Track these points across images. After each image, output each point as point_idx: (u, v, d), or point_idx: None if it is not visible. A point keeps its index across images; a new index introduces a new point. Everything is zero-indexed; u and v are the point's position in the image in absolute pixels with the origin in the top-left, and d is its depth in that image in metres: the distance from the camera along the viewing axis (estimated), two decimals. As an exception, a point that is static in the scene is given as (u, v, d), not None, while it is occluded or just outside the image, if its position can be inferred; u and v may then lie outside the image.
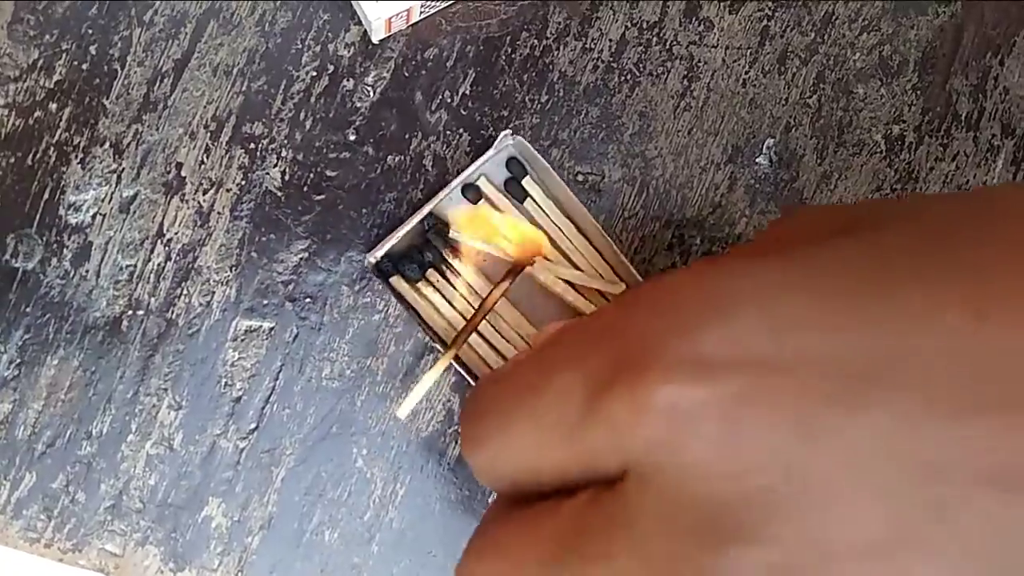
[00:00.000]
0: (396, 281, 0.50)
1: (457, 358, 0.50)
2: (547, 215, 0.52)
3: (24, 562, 0.51)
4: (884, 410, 0.25)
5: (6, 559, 0.51)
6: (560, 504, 0.30)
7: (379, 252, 0.49)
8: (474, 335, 0.50)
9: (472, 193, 0.51)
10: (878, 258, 0.28)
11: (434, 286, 0.51)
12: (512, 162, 0.51)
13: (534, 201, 0.52)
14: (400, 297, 0.50)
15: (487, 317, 0.49)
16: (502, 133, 0.50)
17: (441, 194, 0.50)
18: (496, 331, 0.51)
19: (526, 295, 0.51)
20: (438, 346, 0.50)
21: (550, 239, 0.52)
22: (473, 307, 0.51)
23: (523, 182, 0.51)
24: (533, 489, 0.32)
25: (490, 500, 0.52)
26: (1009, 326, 0.25)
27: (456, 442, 0.52)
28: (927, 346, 0.26)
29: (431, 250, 0.51)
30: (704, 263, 0.30)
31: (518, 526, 0.32)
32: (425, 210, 0.50)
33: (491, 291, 0.48)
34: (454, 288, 0.51)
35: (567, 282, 0.51)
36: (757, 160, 0.54)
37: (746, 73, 0.54)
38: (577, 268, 0.51)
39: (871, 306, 0.27)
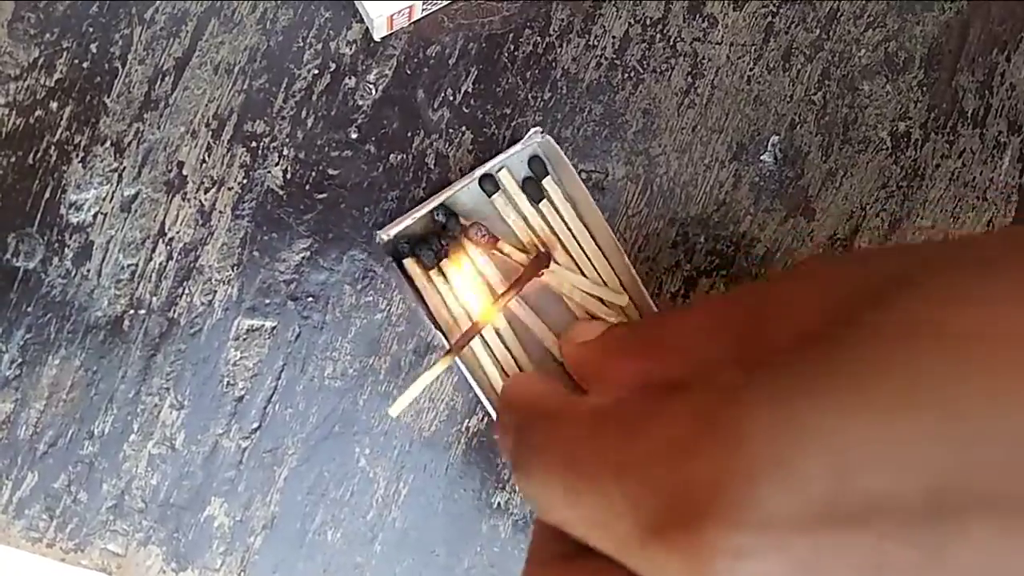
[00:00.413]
0: (409, 264, 0.50)
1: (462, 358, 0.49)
2: (562, 218, 0.51)
3: (26, 562, 0.51)
4: (973, 546, 0.23)
5: (8, 559, 0.51)
6: None
7: (392, 230, 0.49)
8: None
9: (490, 184, 0.51)
10: (930, 356, 0.25)
11: (445, 276, 0.50)
12: (534, 161, 0.51)
13: (551, 203, 0.51)
14: (409, 281, 0.50)
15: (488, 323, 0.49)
16: (532, 129, 0.49)
17: (459, 183, 0.49)
18: (497, 334, 0.51)
19: (532, 295, 0.51)
20: (440, 336, 0.50)
21: (561, 243, 0.51)
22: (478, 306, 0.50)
23: (543, 182, 0.51)
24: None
25: (495, 503, 0.52)
26: None
27: (459, 441, 0.52)
28: (1001, 449, 0.24)
29: (447, 239, 0.51)
30: (756, 389, 0.27)
31: None
32: (443, 196, 0.49)
33: (496, 299, 0.48)
34: (461, 280, 0.51)
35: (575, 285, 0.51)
36: (762, 157, 0.53)
37: (750, 70, 0.54)
38: (583, 275, 0.51)
39: (933, 421, 0.24)
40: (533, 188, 0.51)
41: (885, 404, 0.25)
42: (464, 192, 0.51)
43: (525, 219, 0.51)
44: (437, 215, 0.50)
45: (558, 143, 0.52)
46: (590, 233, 0.51)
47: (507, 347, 0.51)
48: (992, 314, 0.25)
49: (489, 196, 0.51)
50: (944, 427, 0.24)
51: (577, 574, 0.31)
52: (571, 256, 0.51)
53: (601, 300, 0.51)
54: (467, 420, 0.52)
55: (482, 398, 0.49)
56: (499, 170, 0.51)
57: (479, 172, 0.50)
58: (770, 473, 0.25)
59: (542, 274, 0.49)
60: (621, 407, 0.32)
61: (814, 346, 0.28)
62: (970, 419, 0.24)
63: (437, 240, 0.50)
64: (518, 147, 0.50)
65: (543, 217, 0.51)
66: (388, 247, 0.50)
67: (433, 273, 0.50)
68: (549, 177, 0.51)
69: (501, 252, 0.50)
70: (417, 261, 0.50)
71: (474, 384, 0.49)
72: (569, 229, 0.51)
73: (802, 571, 0.24)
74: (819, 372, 0.26)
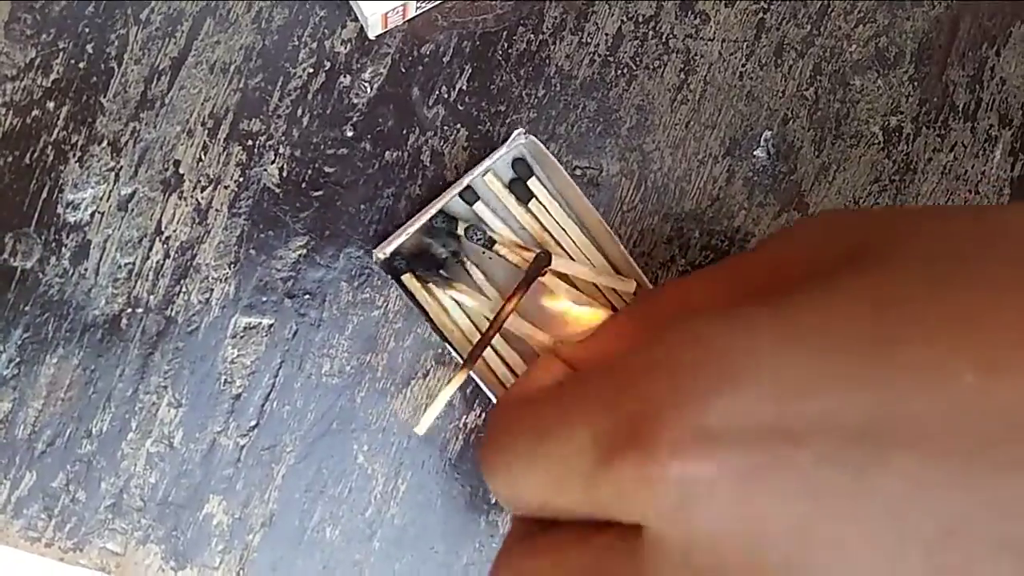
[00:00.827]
0: (408, 279, 0.50)
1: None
2: (552, 216, 0.52)
3: (25, 562, 0.51)
4: (895, 473, 0.25)
5: (7, 559, 0.51)
6: (585, 540, 0.30)
7: (388, 248, 0.49)
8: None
9: (469, 196, 0.51)
10: (884, 304, 0.27)
11: (444, 287, 0.51)
12: (518, 163, 0.51)
13: (539, 202, 0.51)
14: (411, 296, 0.50)
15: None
16: (515, 131, 0.50)
17: (448, 192, 0.50)
18: (503, 339, 0.51)
19: (531, 300, 0.51)
20: (449, 347, 0.50)
21: (554, 240, 0.52)
22: (484, 315, 0.51)
23: (528, 183, 0.51)
24: (552, 517, 0.32)
25: (493, 498, 0.52)
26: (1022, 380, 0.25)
27: (457, 437, 0.52)
28: (936, 404, 0.25)
29: (443, 249, 0.51)
30: (715, 319, 0.30)
31: (544, 558, 0.32)
32: (434, 208, 0.49)
33: (503, 304, 0.48)
34: (463, 289, 0.51)
35: (571, 287, 0.51)
36: (755, 153, 0.54)
37: (743, 66, 0.54)
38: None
39: (878, 364, 0.26)
40: (520, 189, 0.51)
41: (835, 344, 0.27)
42: (456, 199, 0.51)
43: (516, 220, 0.52)
44: (436, 222, 0.50)
45: (552, 140, 0.52)
46: (583, 227, 0.52)
47: (510, 343, 0.51)
48: (947, 289, 0.27)
49: (470, 205, 0.51)
50: (884, 372, 0.26)
51: (543, 545, 0.32)
52: (566, 252, 0.52)
53: (614, 290, 0.51)
54: (464, 416, 0.52)
55: (488, 393, 0.49)
56: (486, 174, 0.51)
57: (466, 180, 0.50)
58: (720, 392, 0.27)
59: (545, 273, 0.49)
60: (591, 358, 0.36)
61: (788, 293, 0.30)
62: (910, 370, 0.26)
63: (431, 253, 0.51)
64: (502, 150, 0.50)
65: (534, 217, 0.52)
66: (385, 265, 0.50)
67: (433, 285, 0.51)
68: (534, 177, 0.51)
69: (498, 254, 0.51)
70: (415, 276, 0.50)
71: (489, 393, 0.49)
72: (561, 226, 0.52)
73: (744, 482, 0.26)
74: (785, 313, 0.29)
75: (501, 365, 0.51)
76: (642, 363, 0.30)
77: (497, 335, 0.50)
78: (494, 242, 0.50)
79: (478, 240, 0.50)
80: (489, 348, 0.50)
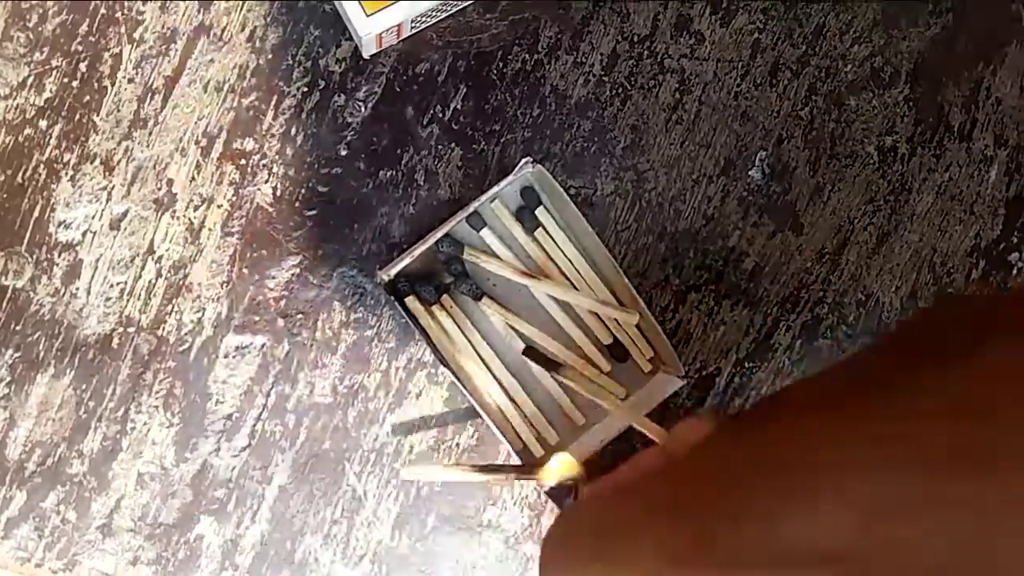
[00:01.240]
0: (411, 302, 0.50)
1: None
2: (558, 246, 0.52)
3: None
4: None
5: (-3, 579, 0.51)
6: None
7: (392, 270, 0.49)
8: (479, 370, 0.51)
9: (476, 221, 0.51)
10: (983, 436, 0.24)
11: (447, 311, 0.51)
12: (526, 191, 0.51)
13: (545, 231, 0.51)
14: (413, 318, 0.50)
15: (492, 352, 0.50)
16: (523, 160, 0.49)
17: (455, 218, 0.49)
18: (520, 385, 0.51)
19: (529, 311, 0.51)
20: (449, 372, 0.49)
21: (559, 269, 0.52)
22: (485, 341, 0.51)
23: (536, 212, 0.51)
24: None
25: (484, 518, 0.52)
26: None
27: (450, 457, 0.52)
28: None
29: (448, 273, 0.51)
30: (786, 424, 0.28)
31: None
32: (439, 233, 0.49)
33: (493, 471, 0.48)
34: (465, 314, 0.51)
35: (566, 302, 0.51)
36: (749, 172, 0.54)
37: (738, 86, 0.54)
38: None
39: (967, 487, 0.23)
40: (528, 218, 0.51)
41: (918, 460, 0.25)
42: (461, 224, 0.51)
43: (522, 248, 0.52)
44: (441, 247, 0.50)
45: (547, 159, 0.52)
46: (587, 258, 0.52)
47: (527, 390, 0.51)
48: None
49: (477, 231, 0.51)
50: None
51: None
52: (571, 282, 0.52)
53: (616, 320, 0.51)
54: (457, 437, 0.52)
55: (500, 438, 0.49)
56: (493, 201, 0.51)
57: (472, 207, 0.50)
58: (791, 512, 0.25)
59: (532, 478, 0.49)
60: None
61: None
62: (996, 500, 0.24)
63: (435, 276, 0.51)
64: (511, 178, 0.50)
65: (540, 246, 0.52)
66: (389, 287, 0.50)
67: (435, 308, 0.50)
68: (542, 206, 0.51)
69: (486, 309, 0.51)
70: (418, 298, 0.50)
71: (495, 429, 0.49)
72: (567, 256, 0.52)
73: None
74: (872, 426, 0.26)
75: (516, 415, 0.51)
76: (712, 467, 0.29)
77: (512, 378, 0.51)
78: (483, 294, 0.51)
79: (466, 291, 0.50)
80: (505, 395, 0.51)
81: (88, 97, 0.51)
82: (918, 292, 0.54)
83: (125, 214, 0.51)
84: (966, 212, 0.55)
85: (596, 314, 0.52)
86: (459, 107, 0.53)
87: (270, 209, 0.51)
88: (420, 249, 0.49)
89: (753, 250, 0.53)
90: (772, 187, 0.54)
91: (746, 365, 0.53)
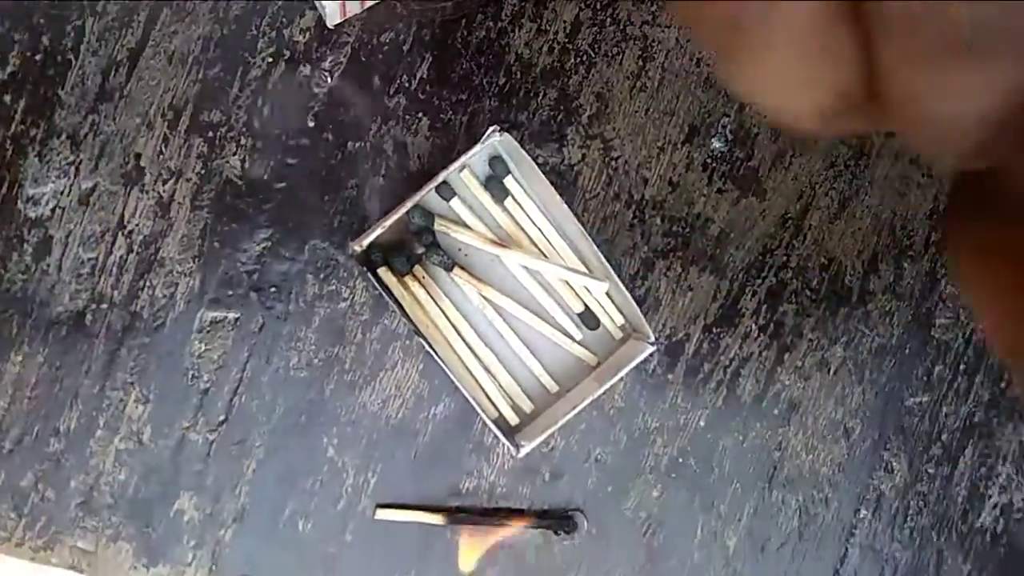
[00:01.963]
0: (383, 272, 0.50)
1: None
2: (527, 215, 0.52)
3: (-7, 562, 0.51)
4: None
5: (-25, 560, 0.51)
6: None
7: (365, 241, 0.49)
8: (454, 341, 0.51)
9: (446, 192, 0.51)
10: None
11: (420, 281, 0.51)
12: (495, 161, 0.52)
13: (514, 200, 0.52)
14: (386, 289, 0.50)
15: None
16: (491, 128, 0.49)
17: (425, 188, 0.49)
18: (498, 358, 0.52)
19: (508, 285, 0.52)
20: (423, 341, 0.49)
21: (529, 238, 0.52)
22: (456, 307, 0.51)
23: (505, 181, 0.52)
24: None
25: (463, 487, 0.53)
26: None
27: (427, 428, 0.52)
28: None
29: (419, 244, 0.51)
30: None
31: None
32: (410, 203, 0.49)
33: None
34: (438, 284, 0.51)
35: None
36: (713, 139, 0.54)
37: (700, 52, 0.54)
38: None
39: None
40: (496, 187, 0.52)
41: None
42: (432, 194, 0.51)
43: (492, 218, 0.52)
44: (413, 217, 0.50)
45: (514, 127, 0.52)
46: (556, 226, 0.52)
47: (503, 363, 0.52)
48: None
49: (447, 201, 0.51)
50: None
51: None
52: (540, 250, 0.52)
53: (586, 288, 0.52)
54: (434, 407, 0.52)
55: (471, 400, 0.50)
56: (462, 171, 0.51)
57: (441, 177, 0.50)
58: None
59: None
60: None
61: None
62: None
63: (407, 247, 0.51)
64: (478, 147, 0.50)
65: (509, 215, 0.52)
66: (361, 258, 0.50)
67: (408, 279, 0.51)
68: (510, 175, 0.52)
69: (457, 279, 0.51)
70: (391, 269, 0.50)
71: (461, 386, 0.49)
72: (536, 224, 0.52)
73: None
74: None
75: (491, 384, 0.52)
76: None
77: (485, 348, 0.51)
78: (454, 264, 0.51)
79: (437, 262, 0.51)
80: (479, 365, 0.51)
81: (52, 71, 0.50)
82: (879, 255, 0.56)
83: (94, 189, 0.50)
84: (924, 175, 0.56)
85: (567, 282, 0.52)
86: (424, 76, 0.53)
87: (239, 182, 0.51)
88: (391, 220, 0.49)
89: (718, 216, 0.54)
90: (735, 153, 0.55)
91: (714, 331, 0.55)
